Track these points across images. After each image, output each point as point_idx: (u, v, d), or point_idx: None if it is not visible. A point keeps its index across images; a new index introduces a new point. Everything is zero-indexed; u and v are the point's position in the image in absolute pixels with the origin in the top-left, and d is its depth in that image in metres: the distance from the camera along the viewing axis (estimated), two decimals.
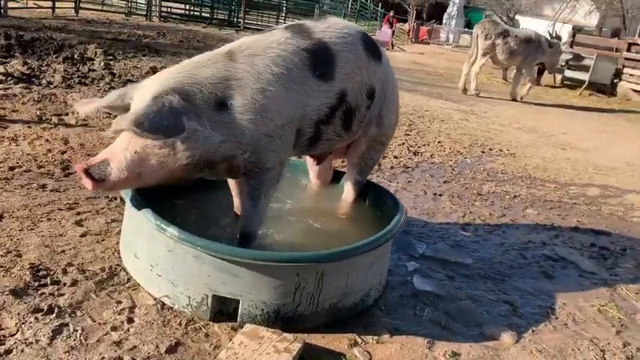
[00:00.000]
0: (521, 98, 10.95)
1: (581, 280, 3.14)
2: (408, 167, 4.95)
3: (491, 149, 6.35)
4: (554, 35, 13.28)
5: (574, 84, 14.47)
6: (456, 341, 2.32)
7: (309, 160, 3.00)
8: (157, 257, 2.17)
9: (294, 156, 2.63)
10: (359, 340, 2.21)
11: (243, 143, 2.18)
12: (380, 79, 2.67)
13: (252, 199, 2.36)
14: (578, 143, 7.61)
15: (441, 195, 4.25)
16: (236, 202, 2.70)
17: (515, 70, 11.27)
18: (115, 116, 2.14)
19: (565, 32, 19.13)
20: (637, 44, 14.41)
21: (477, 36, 10.50)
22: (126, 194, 2.28)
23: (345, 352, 2.12)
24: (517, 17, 28.19)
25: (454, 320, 2.48)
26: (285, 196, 2.90)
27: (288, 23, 2.56)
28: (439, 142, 6.21)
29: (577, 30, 19.30)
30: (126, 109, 2.13)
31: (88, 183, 2.04)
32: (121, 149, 2.07)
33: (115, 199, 3.11)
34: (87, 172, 2.03)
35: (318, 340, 2.16)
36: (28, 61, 6.61)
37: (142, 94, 2.08)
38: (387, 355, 2.15)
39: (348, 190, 2.95)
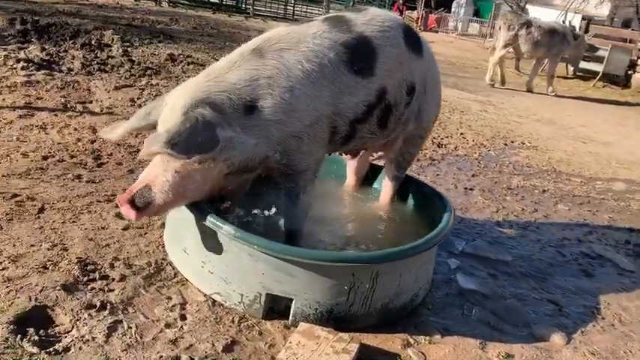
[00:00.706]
0: (555, 94, 10.83)
1: (620, 279, 3.10)
2: (435, 160, 4.90)
3: (513, 142, 6.29)
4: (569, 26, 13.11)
5: (587, 75, 14.34)
6: (507, 342, 2.29)
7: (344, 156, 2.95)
8: (209, 254, 2.13)
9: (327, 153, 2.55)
10: (411, 341, 2.18)
11: (273, 143, 2.10)
12: (421, 74, 2.55)
13: (290, 199, 2.31)
14: (597, 136, 7.54)
15: (471, 189, 4.21)
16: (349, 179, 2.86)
17: (534, 62, 11.11)
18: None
19: (576, 22, 18.94)
20: None
21: (500, 27, 10.36)
22: None
23: (399, 353, 2.09)
24: (527, 6, 27.86)
25: (502, 320, 2.45)
26: (326, 194, 2.87)
27: (328, 14, 2.45)
28: (461, 133, 6.14)
29: (588, 20, 19.10)
30: (154, 126, 2.04)
31: (131, 213, 1.94)
32: (161, 171, 1.97)
33: None
34: (132, 202, 1.93)
35: (371, 340, 2.14)
36: (46, 47, 6.54)
37: (170, 110, 1.97)
38: (442, 356, 2.12)
39: (386, 186, 2.90)
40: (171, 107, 1.98)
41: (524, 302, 2.65)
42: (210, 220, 2.03)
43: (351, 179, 3.09)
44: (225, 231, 2.00)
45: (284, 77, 2.07)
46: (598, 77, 13.55)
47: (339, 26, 2.27)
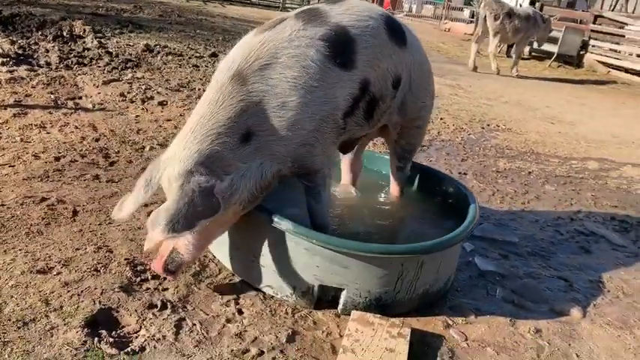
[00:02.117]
0: (517, 75, 11.30)
1: (615, 254, 3.35)
2: (423, 146, 5.08)
3: (489, 125, 6.54)
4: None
5: (542, 55, 14.89)
6: (533, 318, 2.48)
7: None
8: (262, 249, 2.22)
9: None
10: (450, 322, 2.34)
11: (280, 157, 2.11)
12: (406, 66, 2.45)
13: (313, 197, 2.33)
14: (562, 116, 7.91)
15: (465, 174, 4.41)
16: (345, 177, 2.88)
17: (515, 46, 11.65)
18: None
19: (525, 3, 19.51)
20: (603, 16, 14.87)
21: (485, 16, 10.77)
22: None
23: (443, 334, 2.25)
24: None
25: (524, 298, 2.64)
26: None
27: (301, 8, 2.32)
28: (441, 118, 6.35)
29: (541, 2, 19.67)
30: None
31: (169, 277, 2.08)
32: None
33: None
34: (167, 270, 2.03)
35: (414, 323, 2.28)
36: (14, 40, 6.36)
37: (168, 183, 1.95)
38: (480, 335, 2.29)
39: (393, 179, 2.93)
40: (168, 179, 1.94)
41: (538, 280, 2.85)
42: (268, 217, 2.12)
43: (346, 177, 3.05)
44: (283, 226, 2.09)
45: (272, 96, 2.02)
46: (553, 58, 14.08)
47: (313, 20, 2.17)
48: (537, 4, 15.63)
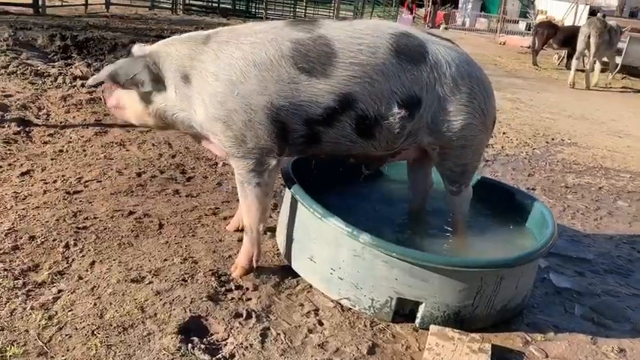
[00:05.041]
0: (573, 85, 11.20)
1: None
2: (488, 160, 5.04)
3: (553, 139, 6.41)
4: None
5: (604, 67, 14.41)
6: (614, 337, 2.43)
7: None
8: (340, 261, 2.28)
9: (296, 152, 2.47)
10: (529, 339, 2.33)
11: (197, 121, 2.30)
12: (427, 83, 2.29)
13: (240, 185, 2.40)
14: (631, 130, 7.65)
15: (534, 189, 4.35)
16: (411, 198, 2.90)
17: (597, 60, 11.71)
18: None
19: (585, 14, 19.05)
20: None
21: (590, 35, 10.91)
22: (301, 199, 2.37)
23: (523, 351, 2.24)
24: None
25: (603, 316, 2.59)
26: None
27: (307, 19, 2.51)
28: (503, 132, 6.28)
29: (598, 11, 19.10)
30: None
31: (104, 100, 2.54)
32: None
33: None
34: (103, 93, 2.52)
35: (492, 339, 2.28)
36: (90, 62, 6.74)
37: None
38: (561, 353, 2.27)
39: (449, 205, 2.72)
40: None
41: (618, 298, 2.79)
42: (347, 230, 2.19)
43: (410, 197, 2.92)
44: (362, 239, 2.15)
45: (211, 62, 2.22)
46: (617, 69, 13.63)
47: (300, 26, 2.28)
48: (599, 15, 15.23)
